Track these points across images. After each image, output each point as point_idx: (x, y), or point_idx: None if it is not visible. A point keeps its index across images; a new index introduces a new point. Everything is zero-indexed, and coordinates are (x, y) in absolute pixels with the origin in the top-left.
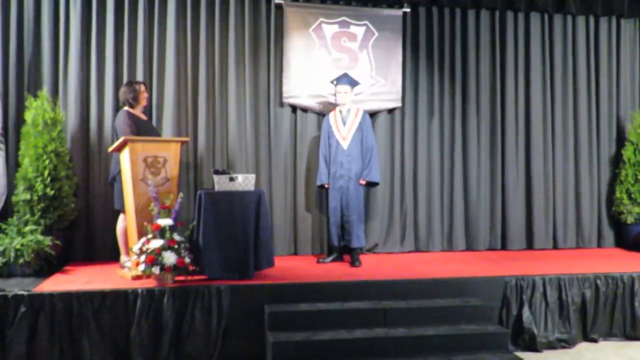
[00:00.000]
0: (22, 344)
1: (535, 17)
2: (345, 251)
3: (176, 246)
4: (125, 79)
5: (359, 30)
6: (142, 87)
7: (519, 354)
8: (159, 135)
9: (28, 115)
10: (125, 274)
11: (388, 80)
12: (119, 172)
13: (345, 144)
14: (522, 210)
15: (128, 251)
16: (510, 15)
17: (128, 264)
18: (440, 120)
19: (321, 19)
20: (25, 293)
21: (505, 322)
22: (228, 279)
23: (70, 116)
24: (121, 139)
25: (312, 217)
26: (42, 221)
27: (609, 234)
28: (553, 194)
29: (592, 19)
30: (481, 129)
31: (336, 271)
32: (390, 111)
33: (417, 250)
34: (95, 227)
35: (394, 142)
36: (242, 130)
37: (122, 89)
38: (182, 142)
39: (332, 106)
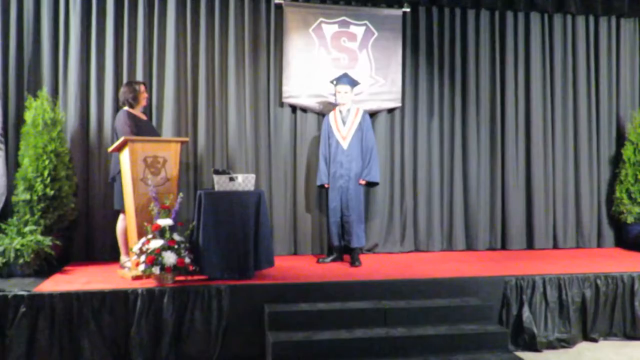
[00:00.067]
0: (22, 344)
1: (535, 17)
2: (345, 251)
3: (176, 246)
4: (125, 79)
5: (358, 30)
6: (142, 87)
7: (519, 353)
8: (158, 135)
9: (28, 116)
10: (125, 274)
11: (388, 80)
12: (119, 172)
13: (345, 144)
14: (522, 210)
15: (128, 251)
16: (510, 15)
17: (128, 264)
18: (440, 120)
19: (321, 19)
20: (25, 293)
21: (505, 322)
22: (228, 279)
23: (70, 116)
24: (121, 139)
25: (312, 217)
26: (42, 221)
27: (609, 234)
28: (553, 193)
29: (592, 19)
30: (481, 128)
31: (336, 271)
32: (390, 111)
33: (417, 250)
34: (95, 227)
35: (394, 142)
36: (242, 130)
37: (122, 89)
38: (182, 142)
39: (332, 106)
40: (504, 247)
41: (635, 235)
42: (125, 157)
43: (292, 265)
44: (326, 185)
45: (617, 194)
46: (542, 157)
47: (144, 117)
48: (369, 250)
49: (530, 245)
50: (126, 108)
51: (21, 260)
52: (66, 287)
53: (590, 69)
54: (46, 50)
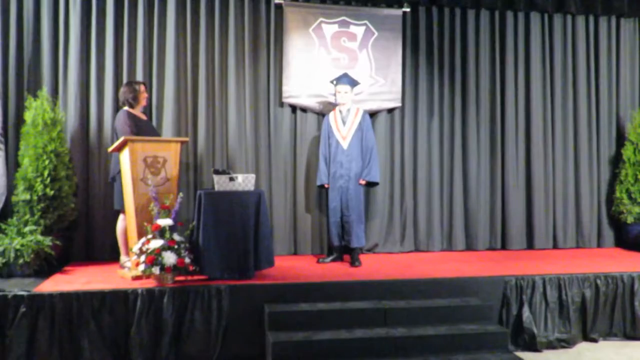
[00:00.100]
0: (22, 344)
1: (535, 17)
2: (345, 251)
3: (176, 246)
4: (125, 79)
5: (358, 30)
6: (142, 87)
7: (519, 353)
8: (158, 135)
9: (28, 115)
10: (125, 274)
11: (388, 80)
12: (119, 172)
13: (345, 144)
14: (522, 210)
15: (128, 251)
16: (510, 15)
17: (128, 264)
18: (440, 120)
19: (321, 19)
20: (25, 293)
21: (505, 322)
22: (228, 279)
23: (70, 116)
24: (121, 139)
25: (312, 217)
26: (41, 221)
27: (608, 234)
28: (553, 193)
29: (591, 19)
30: (481, 128)
31: (336, 271)
32: (390, 111)
33: (417, 250)
34: (95, 227)
35: (394, 142)
36: (242, 130)
37: (122, 89)
38: (182, 142)
39: (332, 106)
40: (504, 247)
41: (635, 235)
42: (125, 157)
43: (292, 265)
44: (326, 185)
45: (617, 194)
46: (542, 157)
47: (144, 117)
48: (369, 250)
49: (530, 245)
50: (126, 108)
51: (21, 261)
52: (66, 287)
53: (590, 69)
54: (46, 50)
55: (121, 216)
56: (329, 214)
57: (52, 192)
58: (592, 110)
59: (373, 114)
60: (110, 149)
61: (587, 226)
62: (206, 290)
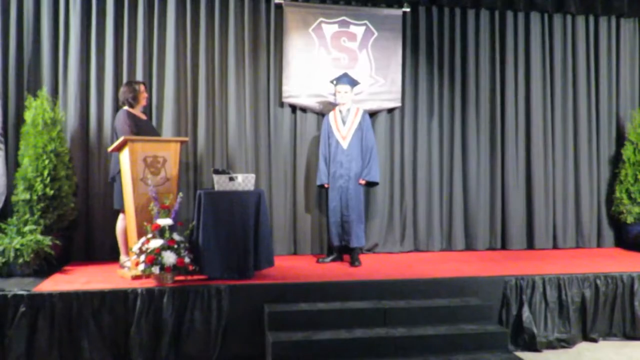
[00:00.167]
0: (21, 344)
1: (535, 17)
2: (345, 251)
3: (176, 246)
4: (125, 79)
5: (358, 30)
6: (142, 87)
7: (519, 353)
8: (158, 135)
9: (28, 115)
10: (124, 273)
11: (388, 80)
12: (119, 172)
13: (345, 144)
14: (522, 209)
15: (128, 251)
16: (510, 15)
17: (128, 263)
18: (439, 119)
19: (321, 19)
20: (24, 293)
21: (505, 322)
22: (228, 278)
23: (70, 116)
24: (121, 139)
25: (312, 217)
26: (41, 221)
27: (608, 234)
28: (553, 193)
29: (591, 19)
30: (481, 128)
31: (336, 271)
32: (390, 111)
33: (416, 250)
34: (94, 227)
35: (394, 142)
36: (242, 130)
37: (122, 89)
38: (182, 142)
39: (331, 106)
40: (503, 247)
41: (635, 235)
42: (125, 156)
43: (292, 265)
44: (326, 185)
45: (617, 194)
46: (542, 157)
47: (143, 117)
48: (369, 250)
49: (530, 245)
50: (126, 108)
51: (21, 260)
52: (66, 287)
53: (590, 69)
54: (46, 50)
55: (121, 216)
56: (328, 214)
57: (52, 192)
58: (592, 110)
59: (373, 114)
60: (110, 149)
61: (587, 226)
62: (206, 290)
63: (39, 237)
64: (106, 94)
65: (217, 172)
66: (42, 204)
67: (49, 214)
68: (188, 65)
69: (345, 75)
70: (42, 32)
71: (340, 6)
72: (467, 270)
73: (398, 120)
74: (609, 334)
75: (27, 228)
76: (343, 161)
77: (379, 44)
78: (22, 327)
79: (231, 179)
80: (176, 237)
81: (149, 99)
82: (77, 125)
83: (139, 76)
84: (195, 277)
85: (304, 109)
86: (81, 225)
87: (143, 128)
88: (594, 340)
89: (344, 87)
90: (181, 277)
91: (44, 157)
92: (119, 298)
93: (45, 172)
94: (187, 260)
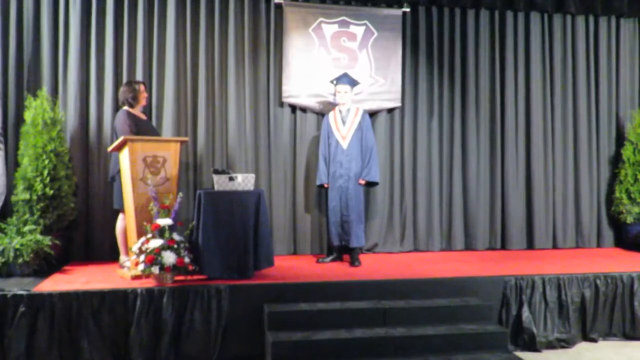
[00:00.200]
0: (21, 344)
1: (535, 17)
2: (345, 251)
3: (175, 246)
4: (125, 79)
5: (358, 30)
6: (142, 87)
7: (519, 353)
8: (158, 134)
9: (27, 115)
10: (124, 273)
11: (387, 80)
12: (119, 172)
13: (344, 144)
14: (522, 210)
15: (127, 251)
16: (510, 15)
17: (127, 263)
18: (439, 119)
19: (321, 19)
20: (24, 293)
21: (505, 322)
22: (227, 278)
23: (70, 116)
24: (121, 139)
25: (312, 217)
26: (41, 221)
27: (608, 234)
28: (553, 193)
29: (591, 19)
30: (481, 128)
31: (336, 271)
32: (390, 111)
33: (416, 250)
34: (94, 227)
35: (394, 142)
36: (242, 130)
37: (122, 89)
38: (182, 142)
39: (331, 106)
40: (503, 247)
41: (634, 235)
42: (124, 156)
43: (292, 265)
44: (326, 185)
45: (617, 194)
46: (542, 157)
47: (143, 117)
48: (369, 250)
49: (530, 245)
50: (126, 107)
51: (20, 260)
52: (65, 287)
53: (590, 69)
54: (46, 50)
55: (121, 216)
56: (328, 214)
57: (51, 192)
58: (592, 110)
59: (373, 114)
60: (109, 149)
61: (587, 226)
62: (206, 290)
63: (39, 237)
64: (106, 93)
65: (217, 172)
66: (41, 204)
67: (49, 213)
68: (188, 65)
69: (345, 75)
70: (42, 31)
71: (340, 6)
72: (467, 270)
73: (398, 120)
74: (608, 334)
75: (26, 228)
76: (343, 161)
77: (379, 44)
78: (21, 327)
79: (231, 178)
80: (176, 237)
81: (149, 98)
82: (77, 125)
83: (139, 76)
84: (195, 277)
85: (303, 109)
86: (81, 225)
87: (143, 128)
88: (594, 340)
89: (343, 87)
90: (181, 277)
91: (44, 157)
92: (118, 298)
93: (45, 172)
94: (186, 260)
